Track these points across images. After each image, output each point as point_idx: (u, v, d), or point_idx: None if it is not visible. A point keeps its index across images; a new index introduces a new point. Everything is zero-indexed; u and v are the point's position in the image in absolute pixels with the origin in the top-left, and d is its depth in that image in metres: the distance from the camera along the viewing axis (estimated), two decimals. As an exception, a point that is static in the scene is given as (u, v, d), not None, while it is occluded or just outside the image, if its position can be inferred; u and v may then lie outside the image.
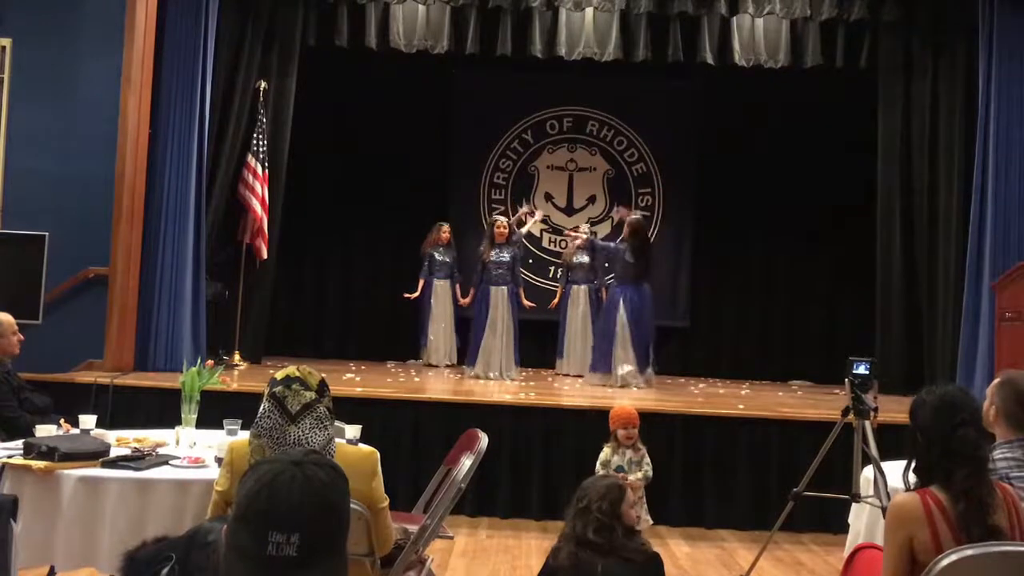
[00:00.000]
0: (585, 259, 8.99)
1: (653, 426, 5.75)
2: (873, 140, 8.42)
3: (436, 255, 9.20)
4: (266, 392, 2.79)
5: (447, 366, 9.07)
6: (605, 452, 5.05)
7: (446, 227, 9.32)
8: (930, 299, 8.02)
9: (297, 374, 2.80)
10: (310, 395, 2.76)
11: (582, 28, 8.37)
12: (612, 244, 8.34)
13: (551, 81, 9.94)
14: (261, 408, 2.78)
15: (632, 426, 5.01)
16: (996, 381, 3.26)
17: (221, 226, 7.93)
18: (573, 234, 9.27)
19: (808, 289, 10.00)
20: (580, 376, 8.57)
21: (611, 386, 7.79)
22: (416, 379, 8.01)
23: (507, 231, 8.38)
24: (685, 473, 6.24)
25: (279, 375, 2.81)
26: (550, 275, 10.10)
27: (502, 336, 8.21)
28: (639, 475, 4.94)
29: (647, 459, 5.03)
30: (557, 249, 10.08)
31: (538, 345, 9.38)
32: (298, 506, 1.40)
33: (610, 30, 8.35)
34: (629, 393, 7.55)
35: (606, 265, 8.80)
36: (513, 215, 9.10)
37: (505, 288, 8.31)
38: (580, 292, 9.00)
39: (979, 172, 7.47)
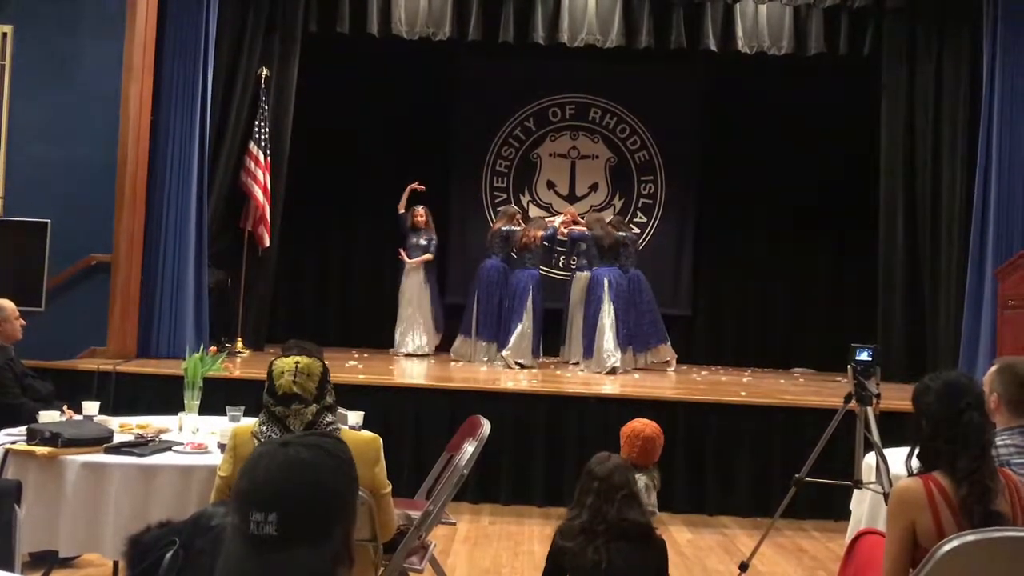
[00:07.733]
0: (584, 246, 8.86)
1: (656, 414, 5.74)
2: (876, 127, 8.40)
3: None
4: (265, 399, 2.82)
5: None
6: None
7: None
8: (932, 286, 8.01)
9: (294, 387, 2.79)
10: (310, 411, 2.78)
11: (584, 14, 8.34)
12: (587, 232, 8.52)
13: (553, 68, 9.89)
14: (260, 419, 2.83)
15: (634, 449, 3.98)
16: (994, 368, 3.25)
17: (223, 213, 7.93)
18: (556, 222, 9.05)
19: (810, 276, 9.98)
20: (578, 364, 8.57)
21: (600, 372, 7.79)
22: (418, 366, 8.02)
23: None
24: (687, 460, 6.24)
25: (277, 376, 2.82)
26: (552, 263, 10.08)
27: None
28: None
29: (653, 488, 4.10)
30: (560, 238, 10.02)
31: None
32: (274, 485, 1.40)
33: (613, 16, 8.32)
34: (624, 379, 7.57)
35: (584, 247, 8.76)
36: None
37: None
38: (583, 278, 8.95)
39: (982, 160, 7.45)
